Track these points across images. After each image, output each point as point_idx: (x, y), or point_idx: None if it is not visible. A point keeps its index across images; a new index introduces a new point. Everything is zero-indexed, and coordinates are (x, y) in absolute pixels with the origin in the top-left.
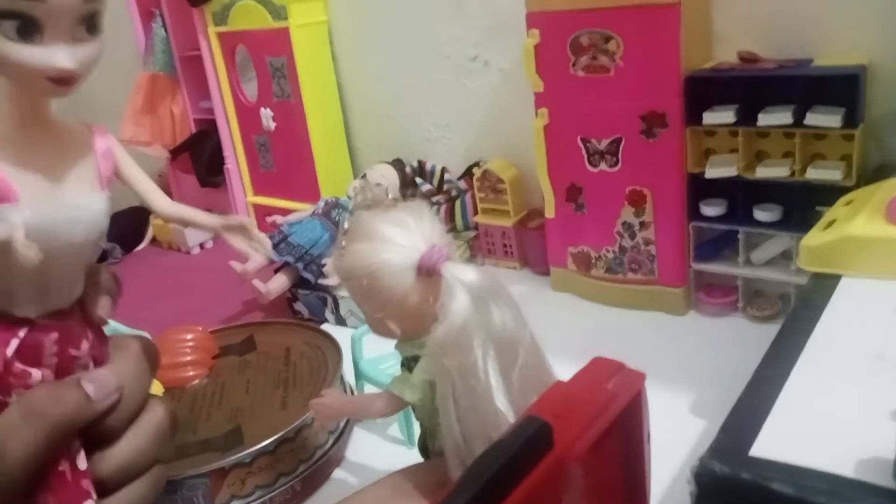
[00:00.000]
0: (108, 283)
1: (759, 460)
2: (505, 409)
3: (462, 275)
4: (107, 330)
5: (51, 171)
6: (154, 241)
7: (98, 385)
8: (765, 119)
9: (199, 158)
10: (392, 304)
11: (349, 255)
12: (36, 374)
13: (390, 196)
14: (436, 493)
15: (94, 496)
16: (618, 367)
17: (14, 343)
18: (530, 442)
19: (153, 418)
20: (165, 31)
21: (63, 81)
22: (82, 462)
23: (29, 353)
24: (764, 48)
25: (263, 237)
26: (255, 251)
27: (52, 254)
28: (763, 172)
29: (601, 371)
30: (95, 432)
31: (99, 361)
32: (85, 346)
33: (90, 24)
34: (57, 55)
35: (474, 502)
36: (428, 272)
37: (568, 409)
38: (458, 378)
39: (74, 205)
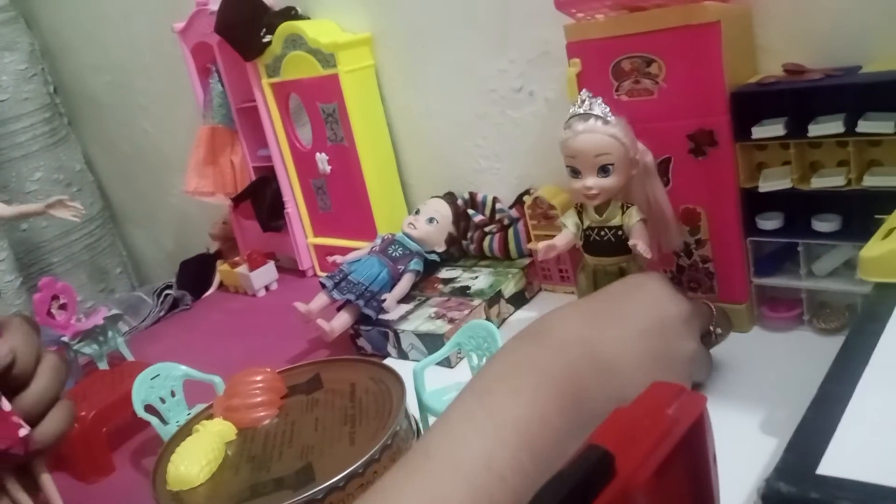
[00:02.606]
0: None
1: (826, 479)
2: None
3: None
4: (180, 375)
5: None
6: (221, 286)
7: None
8: (816, 129)
9: (260, 205)
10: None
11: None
12: None
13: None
14: None
15: (25, 425)
16: (678, 391)
17: None
18: (592, 471)
19: (48, 363)
20: (222, 85)
21: None
22: (5, 405)
23: None
24: (809, 58)
25: (78, 204)
26: (76, 217)
27: None
28: (818, 183)
29: (661, 396)
30: (10, 384)
31: None
32: None
33: None
34: None
35: None
36: None
37: (629, 437)
38: None
39: None
